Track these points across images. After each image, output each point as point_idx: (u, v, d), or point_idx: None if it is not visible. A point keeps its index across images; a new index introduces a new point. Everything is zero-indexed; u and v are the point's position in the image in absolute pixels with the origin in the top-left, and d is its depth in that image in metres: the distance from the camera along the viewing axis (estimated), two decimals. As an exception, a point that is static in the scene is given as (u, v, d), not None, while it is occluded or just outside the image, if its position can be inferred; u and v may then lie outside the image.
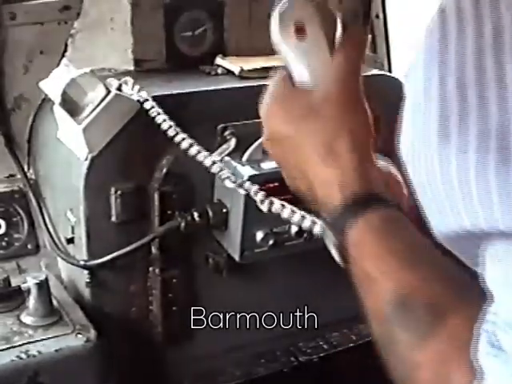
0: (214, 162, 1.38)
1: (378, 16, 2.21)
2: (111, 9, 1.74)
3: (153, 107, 1.47)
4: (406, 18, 2.50)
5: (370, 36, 2.19)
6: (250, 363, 1.81)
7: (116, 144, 1.53)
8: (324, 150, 0.76)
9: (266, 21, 1.86)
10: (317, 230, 1.08)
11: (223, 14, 1.83)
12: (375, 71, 1.94)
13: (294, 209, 1.21)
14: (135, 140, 1.55)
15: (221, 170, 1.38)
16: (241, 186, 1.35)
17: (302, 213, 1.24)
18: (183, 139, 1.38)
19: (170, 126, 1.41)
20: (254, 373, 1.79)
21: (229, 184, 1.36)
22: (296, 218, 1.32)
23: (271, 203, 1.30)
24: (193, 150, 1.37)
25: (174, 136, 1.40)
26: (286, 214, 1.33)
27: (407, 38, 2.46)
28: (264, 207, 1.26)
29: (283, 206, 1.23)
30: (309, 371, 1.86)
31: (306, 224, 1.17)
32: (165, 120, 1.43)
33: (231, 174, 1.41)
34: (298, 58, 0.78)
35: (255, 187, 1.35)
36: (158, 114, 1.45)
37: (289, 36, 0.78)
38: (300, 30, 0.77)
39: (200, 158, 1.37)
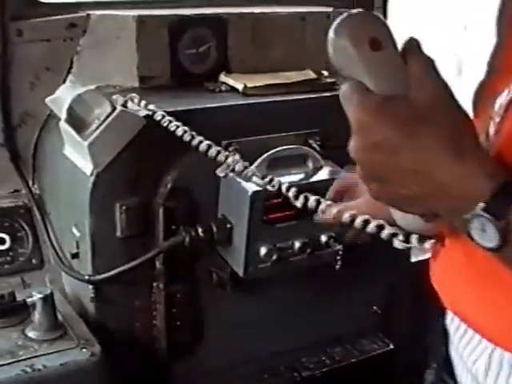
0: (236, 161, 1.36)
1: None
2: (117, 27, 1.76)
3: (164, 116, 1.48)
4: (406, 17, 2.53)
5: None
6: (253, 378, 1.82)
7: (121, 160, 1.55)
8: (452, 149, 0.76)
9: (269, 39, 1.91)
10: (358, 222, 1.05)
11: (227, 31, 1.85)
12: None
13: (330, 202, 1.17)
14: (140, 156, 1.56)
15: (245, 169, 1.35)
16: (270, 182, 1.30)
17: (342, 205, 1.22)
18: (200, 142, 1.38)
19: (185, 132, 1.42)
20: (257, 388, 1.80)
21: (257, 181, 1.33)
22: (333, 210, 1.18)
23: (306, 199, 1.20)
24: (212, 151, 1.36)
25: (191, 140, 1.40)
26: (323, 206, 1.19)
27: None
28: (298, 203, 1.21)
29: (318, 201, 1.18)
30: (312, 386, 1.87)
31: (346, 218, 1.11)
32: (178, 126, 1.43)
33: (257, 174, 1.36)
34: (376, 68, 0.77)
35: (286, 184, 1.26)
36: (170, 121, 1.46)
37: (364, 49, 0.76)
38: (373, 44, 0.76)
39: (221, 158, 1.36)
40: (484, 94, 1.01)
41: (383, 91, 0.78)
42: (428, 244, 0.98)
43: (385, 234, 1.00)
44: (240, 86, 1.75)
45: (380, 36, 0.77)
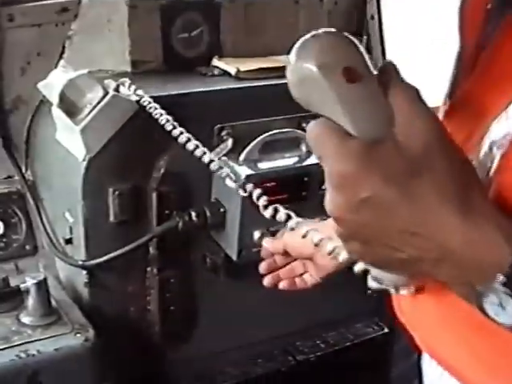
0: (211, 160, 1.36)
1: (373, 17, 2.21)
2: (108, 11, 1.75)
3: (150, 103, 1.47)
4: (400, 19, 2.52)
5: (365, 37, 2.20)
6: (247, 363, 1.82)
7: (114, 145, 1.54)
8: (459, 205, 0.63)
9: (261, 23, 1.90)
10: (329, 247, 0.97)
11: (219, 15, 1.84)
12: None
13: (301, 220, 1.09)
14: (133, 141, 1.56)
15: (220, 168, 1.33)
16: (242, 187, 1.26)
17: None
18: (181, 133, 1.37)
19: (168, 121, 1.40)
20: (251, 372, 1.81)
21: (229, 183, 1.31)
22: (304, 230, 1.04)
23: (276, 211, 1.10)
24: (190, 145, 1.35)
25: (172, 130, 1.39)
26: (292, 224, 1.07)
27: (402, 40, 2.48)
28: (267, 213, 1.14)
29: (289, 215, 1.04)
30: (306, 370, 1.87)
31: (315, 238, 1.03)
32: (162, 114, 1.43)
33: (231, 173, 1.32)
34: (354, 105, 0.63)
35: (258, 190, 1.18)
36: (155, 108, 1.45)
37: (338, 81, 0.62)
38: (348, 74, 0.62)
39: (198, 153, 1.34)
40: (468, 101, 0.86)
41: (364, 134, 0.63)
42: (406, 291, 0.84)
43: (358, 268, 0.84)
44: (233, 70, 1.74)
45: (356, 64, 0.64)
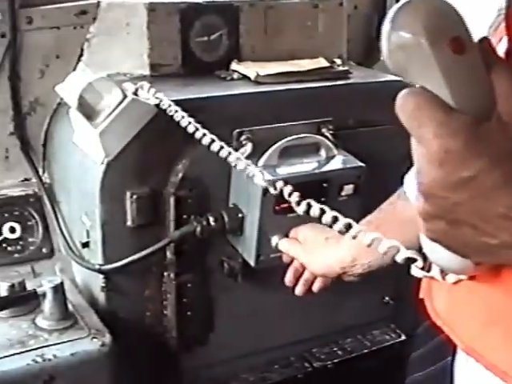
0: (238, 159, 1.33)
1: (392, 22, 2.20)
2: (127, 14, 1.74)
3: (170, 106, 1.46)
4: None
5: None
6: (264, 369, 1.81)
7: (132, 148, 1.54)
8: None
9: (281, 27, 1.89)
10: (367, 240, 0.95)
11: (239, 19, 1.83)
12: (391, 77, 1.93)
13: (337, 214, 1.00)
14: (151, 144, 1.55)
15: (246, 168, 1.31)
16: (272, 184, 1.21)
17: (347, 220, 0.99)
18: (204, 135, 1.36)
19: (190, 123, 1.40)
20: (267, 378, 1.79)
21: (259, 182, 1.27)
22: (339, 225, 1.01)
23: (309, 206, 1.07)
24: (215, 146, 1.34)
25: (194, 132, 1.38)
26: (327, 219, 1.04)
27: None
28: (300, 209, 1.08)
29: (323, 210, 1.02)
30: (323, 377, 1.85)
31: (352, 233, 1.00)
32: (183, 117, 1.42)
33: (258, 172, 1.28)
34: (459, 78, 0.60)
35: (289, 187, 1.16)
36: (176, 111, 1.44)
37: (444, 51, 0.59)
38: (454, 44, 0.59)
39: (223, 154, 1.33)
40: None
41: (467, 109, 0.61)
42: (452, 278, 0.83)
43: (400, 257, 0.87)
44: (252, 74, 1.73)
45: (462, 34, 0.60)
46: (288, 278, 1.56)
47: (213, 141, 1.35)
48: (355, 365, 1.89)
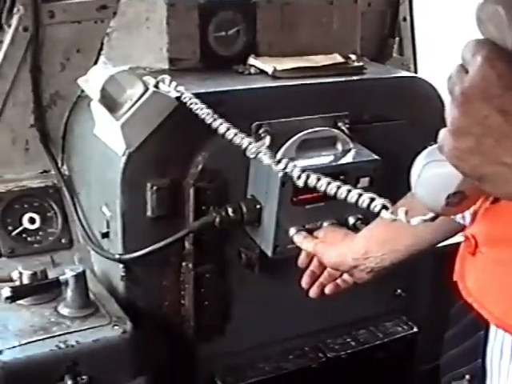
0: (250, 143, 1.37)
1: (405, 19, 2.23)
2: (147, 9, 1.77)
3: (190, 98, 1.49)
4: (431, 20, 2.53)
5: (397, 38, 2.22)
6: (278, 359, 1.84)
7: (153, 140, 1.57)
8: None
9: (297, 23, 1.92)
10: (352, 197, 1.05)
11: (256, 15, 1.86)
12: (405, 73, 1.97)
13: (330, 180, 1.14)
14: (172, 136, 1.58)
15: (258, 149, 1.35)
16: (278, 162, 1.31)
17: (338, 183, 1.14)
18: (221, 124, 1.39)
19: (208, 114, 1.43)
20: (282, 368, 1.82)
21: (266, 160, 1.33)
22: (332, 188, 1.15)
23: (308, 177, 1.20)
24: (230, 134, 1.37)
25: (212, 122, 1.41)
26: (322, 185, 1.17)
27: (433, 41, 2.49)
28: (300, 182, 1.19)
29: (318, 178, 1.16)
30: (336, 367, 1.88)
31: (342, 193, 1.11)
32: (202, 109, 1.45)
33: (268, 152, 1.35)
34: None
35: (293, 163, 1.26)
36: (196, 104, 1.47)
37: None
38: None
39: (237, 140, 1.36)
40: None
41: None
42: (414, 221, 0.94)
43: (376, 205, 1.00)
44: (270, 69, 1.76)
45: None
46: (304, 280, 1.60)
47: (236, 134, 1.37)
48: (368, 355, 1.92)
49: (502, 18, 0.72)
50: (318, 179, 1.17)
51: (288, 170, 1.23)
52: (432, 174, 0.83)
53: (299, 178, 1.19)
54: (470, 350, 1.08)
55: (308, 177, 1.18)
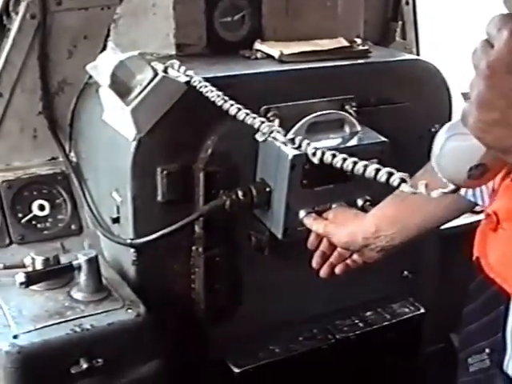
0: (262, 122, 1.38)
1: (407, 3, 2.24)
2: (153, -5, 1.78)
3: (200, 82, 1.50)
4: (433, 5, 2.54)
5: (400, 22, 2.23)
6: (289, 341, 1.85)
7: (163, 125, 1.57)
8: None
9: (302, 7, 1.93)
10: (370, 173, 1.08)
11: (261, 0, 1.87)
12: (410, 56, 1.98)
13: (345, 156, 1.16)
14: (181, 121, 1.59)
15: (271, 128, 1.38)
16: (292, 140, 1.34)
17: (354, 159, 1.16)
18: (231, 105, 1.41)
19: (219, 96, 1.44)
20: (293, 350, 1.84)
21: (280, 138, 1.34)
22: (348, 163, 1.18)
23: (323, 153, 1.22)
24: (241, 114, 1.38)
25: (223, 104, 1.42)
26: (337, 162, 1.19)
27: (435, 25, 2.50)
28: (315, 159, 1.21)
29: (334, 155, 1.17)
30: (345, 348, 1.90)
31: (359, 168, 1.13)
32: (212, 91, 1.46)
33: (282, 131, 1.39)
34: None
35: (307, 140, 1.29)
36: (206, 86, 1.48)
37: None
38: None
39: (249, 120, 1.38)
40: None
41: None
42: (435, 193, 0.96)
43: (394, 179, 1.02)
44: (276, 53, 1.77)
45: None
46: (315, 261, 1.61)
47: (247, 114, 1.39)
48: (376, 336, 1.94)
49: None
50: (334, 156, 1.18)
51: (303, 147, 1.24)
52: (454, 146, 0.85)
53: (314, 154, 1.20)
54: (489, 324, 1.10)
55: (323, 154, 1.19)
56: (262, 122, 1.37)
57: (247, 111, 1.40)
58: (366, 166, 1.10)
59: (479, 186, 1.02)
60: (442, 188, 0.93)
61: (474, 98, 0.75)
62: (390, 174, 1.04)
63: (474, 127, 0.77)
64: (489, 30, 0.74)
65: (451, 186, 0.92)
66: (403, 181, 1.02)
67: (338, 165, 1.16)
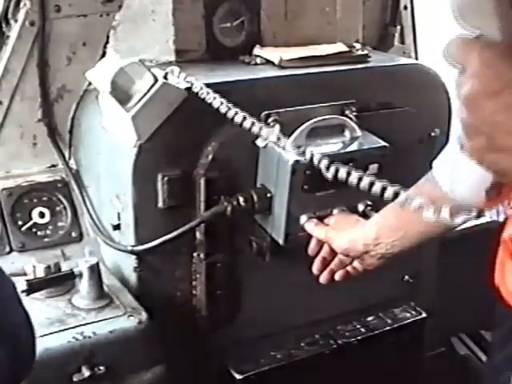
0: (270, 133, 1.36)
1: (406, 7, 2.24)
2: (152, 1, 1.78)
3: (201, 88, 1.49)
4: (431, 9, 2.54)
5: (398, 27, 2.23)
6: (291, 346, 1.85)
7: (163, 131, 1.57)
8: None
9: (300, 12, 1.93)
10: (388, 194, 1.05)
11: (260, 5, 1.87)
12: (409, 60, 1.98)
13: (362, 174, 1.13)
14: (182, 127, 1.59)
15: (279, 140, 1.35)
16: (303, 153, 1.27)
17: (372, 178, 1.13)
18: (236, 113, 1.39)
19: (222, 103, 1.43)
20: (294, 355, 1.84)
21: (290, 149, 1.32)
22: (365, 183, 1.15)
23: (337, 170, 1.18)
24: (247, 123, 1.37)
25: (227, 112, 1.41)
26: (353, 179, 1.16)
27: (433, 29, 2.50)
28: (329, 174, 1.18)
29: (349, 172, 1.14)
30: (347, 353, 1.90)
31: (377, 189, 1.12)
32: (215, 98, 1.45)
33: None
34: (509, 24, 0.72)
35: (319, 154, 1.24)
36: (208, 93, 1.47)
37: (502, 4, 0.71)
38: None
39: (255, 129, 1.36)
40: None
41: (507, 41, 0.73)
42: (459, 219, 0.92)
43: (415, 204, 0.97)
44: (276, 59, 1.77)
45: None
46: (315, 266, 1.61)
47: (245, 118, 1.38)
48: (377, 341, 1.94)
49: (485, 4, 0.72)
50: (349, 173, 1.15)
51: (315, 161, 1.22)
52: (466, 170, 0.83)
53: (328, 169, 1.18)
54: None
55: (337, 170, 1.17)
56: (261, 129, 1.35)
57: (252, 120, 1.38)
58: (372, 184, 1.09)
59: (501, 202, 1.01)
60: (453, 206, 0.92)
61: (462, 126, 0.75)
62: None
63: (469, 154, 0.77)
64: (454, 55, 0.75)
65: (474, 211, 0.90)
66: (422, 206, 0.98)
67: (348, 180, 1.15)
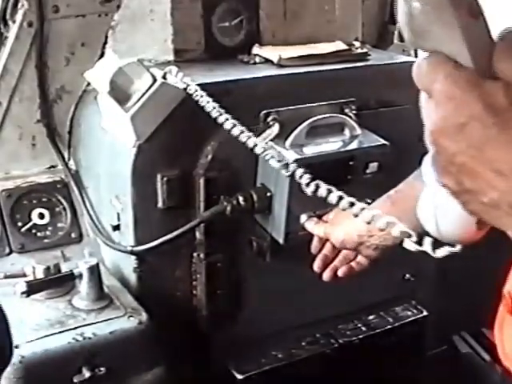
0: (256, 144, 1.36)
1: (405, 6, 2.23)
2: (151, 0, 1.78)
3: (196, 90, 1.49)
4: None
5: (397, 25, 2.22)
6: (292, 346, 1.85)
7: (162, 131, 1.57)
8: None
9: (299, 11, 1.93)
10: (365, 217, 1.01)
11: (258, 4, 1.87)
12: (408, 58, 1.97)
13: (342, 194, 1.09)
14: (181, 127, 1.59)
15: (264, 151, 1.35)
16: (286, 167, 1.31)
17: (351, 199, 1.08)
18: (226, 119, 1.39)
19: (214, 108, 1.43)
20: (295, 355, 1.83)
21: (274, 164, 1.33)
22: (344, 203, 1.12)
23: (317, 187, 1.18)
24: (236, 131, 1.37)
25: (218, 117, 1.41)
26: (333, 198, 1.14)
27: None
28: (309, 190, 1.17)
29: (330, 190, 1.11)
30: (348, 352, 1.89)
31: (355, 210, 1.10)
32: (208, 102, 1.45)
33: (276, 154, 1.36)
34: (473, 39, 0.65)
35: (301, 170, 1.25)
36: (202, 96, 1.47)
37: (464, 14, 0.63)
38: (471, 10, 0.63)
39: (243, 138, 1.36)
40: None
41: (478, 65, 0.65)
42: (442, 252, 0.89)
43: (396, 231, 0.93)
44: (275, 58, 1.76)
45: (475, 1, 0.65)
46: (316, 264, 1.60)
47: (234, 125, 1.37)
48: (379, 340, 1.93)
49: (447, 18, 0.64)
50: (329, 191, 1.14)
51: (296, 176, 1.22)
52: (449, 206, 0.78)
53: (307, 186, 1.18)
54: None
55: (318, 187, 1.17)
56: (256, 145, 1.34)
57: (242, 128, 1.35)
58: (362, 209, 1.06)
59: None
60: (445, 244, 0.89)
61: (432, 163, 0.69)
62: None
63: (449, 193, 0.71)
64: (421, 80, 0.69)
65: (458, 246, 0.88)
66: (408, 236, 0.95)
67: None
